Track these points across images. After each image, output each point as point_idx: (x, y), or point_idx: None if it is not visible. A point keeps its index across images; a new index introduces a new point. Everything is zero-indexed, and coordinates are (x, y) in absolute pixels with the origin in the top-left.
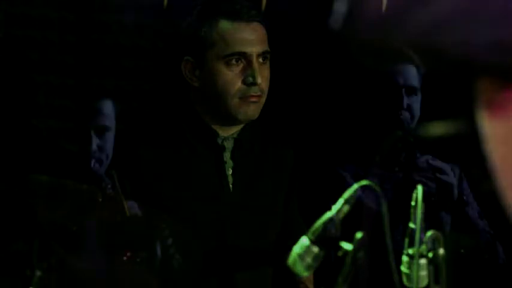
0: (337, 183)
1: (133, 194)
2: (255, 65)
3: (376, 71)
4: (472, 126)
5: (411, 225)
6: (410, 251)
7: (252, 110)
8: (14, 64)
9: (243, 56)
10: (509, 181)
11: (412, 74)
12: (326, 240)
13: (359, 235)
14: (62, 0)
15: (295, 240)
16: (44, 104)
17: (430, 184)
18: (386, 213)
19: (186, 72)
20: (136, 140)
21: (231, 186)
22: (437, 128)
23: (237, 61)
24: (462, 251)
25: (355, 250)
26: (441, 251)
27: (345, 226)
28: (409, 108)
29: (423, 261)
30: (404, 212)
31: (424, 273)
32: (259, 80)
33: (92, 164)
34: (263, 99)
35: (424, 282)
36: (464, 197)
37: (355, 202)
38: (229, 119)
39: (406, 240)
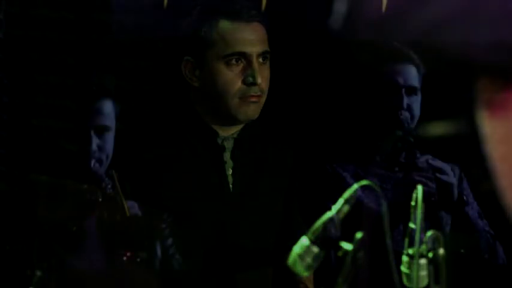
0: (337, 183)
1: (133, 194)
2: (255, 65)
3: (376, 71)
4: (472, 126)
5: (411, 225)
6: (410, 251)
7: (252, 110)
8: (14, 64)
9: (243, 56)
10: (509, 181)
11: (412, 74)
12: (326, 240)
13: (359, 235)
14: (62, 0)
15: (295, 240)
16: (44, 104)
17: (430, 184)
18: (386, 213)
19: (186, 72)
20: (136, 140)
21: (231, 186)
22: (437, 128)
23: (237, 61)
24: (462, 251)
25: (355, 250)
26: (441, 251)
27: (345, 226)
28: (409, 108)
29: (423, 261)
30: (404, 212)
31: (424, 273)
32: (259, 80)
33: (92, 164)
34: (263, 99)
35: (424, 282)
36: (464, 197)
37: (355, 202)
38: (229, 119)
39: (406, 240)
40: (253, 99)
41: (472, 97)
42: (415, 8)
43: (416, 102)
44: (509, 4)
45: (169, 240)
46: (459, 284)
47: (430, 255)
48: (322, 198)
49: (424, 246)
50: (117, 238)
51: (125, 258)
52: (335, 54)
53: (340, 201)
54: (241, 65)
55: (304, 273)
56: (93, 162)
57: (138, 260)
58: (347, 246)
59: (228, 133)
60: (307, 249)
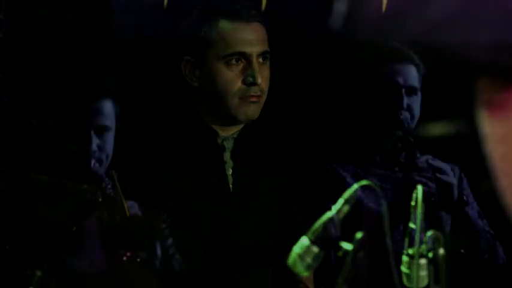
0: (337, 183)
1: (133, 194)
2: (255, 65)
3: (376, 71)
4: (472, 126)
5: (411, 225)
6: (410, 251)
7: (252, 110)
8: (14, 64)
9: (243, 56)
10: (509, 181)
11: (412, 74)
12: (326, 240)
13: (359, 235)
14: (62, 0)
15: (295, 240)
16: (44, 104)
17: (430, 184)
18: (386, 213)
19: (186, 72)
20: (136, 140)
21: (231, 186)
22: (437, 128)
23: (237, 61)
24: (462, 251)
25: (355, 250)
26: (441, 251)
27: (345, 226)
28: (409, 108)
29: (423, 261)
30: (404, 212)
31: (424, 273)
32: (259, 80)
33: (92, 164)
34: (263, 99)
35: (424, 282)
36: (464, 197)
37: (355, 202)
38: (229, 119)
39: (406, 240)
40: (253, 99)
41: (472, 97)
42: (415, 8)
43: (416, 102)
44: (509, 4)
45: (169, 240)
46: (459, 284)
47: (430, 255)
48: (322, 198)
49: (424, 246)
50: (117, 238)
51: (124, 258)
52: (335, 54)
53: (340, 201)
54: (241, 65)
55: (304, 273)
56: (93, 162)
57: (138, 260)
58: (347, 246)
59: (228, 133)
60: (307, 249)
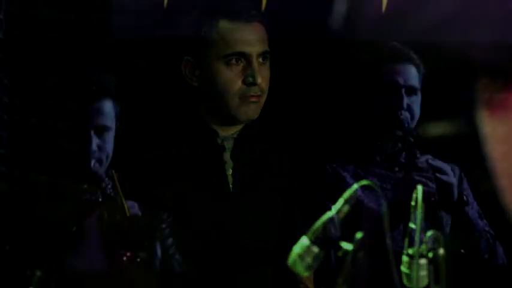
0: (337, 183)
1: (133, 194)
2: (255, 65)
3: (376, 71)
4: (472, 126)
5: (411, 225)
6: (410, 251)
7: (252, 110)
8: (14, 64)
9: (243, 56)
10: (509, 181)
11: (412, 74)
12: (326, 240)
13: (359, 235)
14: (62, 0)
15: (295, 240)
16: (44, 104)
17: (430, 184)
18: (386, 213)
19: (186, 72)
20: (136, 140)
21: (231, 186)
22: (437, 128)
23: (237, 61)
24: (462, 251)
25: (355, 250)
26: (441, 251)
27: (345, 226)
28: (409, 108)
29: (423, 261)
30: (404, 212)
31: (424, 273)
32: (259, 80)
33: (92, 164)
34: (263, 99)
35: (424, 282)
36: (464, 197)
37: (355, 202)
38: (229, 119)
39: (406, 240)
40: (253, 99)
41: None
42: (415, 8)
43: (416, 102)
44: (509, 4)
45: (169, 240)
46: (459, 284)
47: (430, 255)
48: (322, 198)
49: (424, 246)
50: (117, 238)
51: (124, 258)
52: (335, 54)
53: (340, 201)
54: (241, 65)
55: (304, 273)
56: (93, 162)
57: (138, 260)
58: (347, 246)
59: (228, 133)
60: (307, 249)
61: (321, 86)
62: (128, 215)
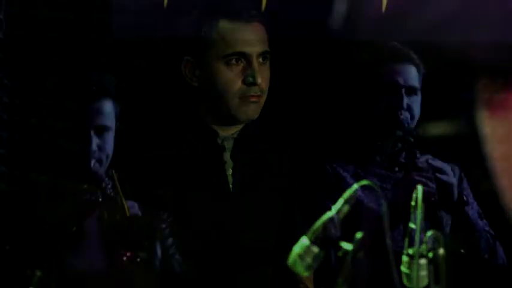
0: (337, 183)
1: (133, 194)
2: (255, 65)
3: (376, 71)
4: (472, 126)
5: (411, 225)
6: (410, 251)
7: (252, 110)
8: (14, 64)
9: (243, 56)
10: (509, 181)
11: (412, 74)
12: (326, 240)
13: (359, 235)
14: (62, 0)
15: (295, 240)
16: (44, 104)
17: (430, 184)
18: (386, 213)
19: (186, 72)
20: (136, 140)
21: (231, 186)
22: (437, 128)
23: (237, 61)
24: (462, 251)
25: (355, 250)
26: (441, 251)
27: (345, 226)
28: (409, 108)
29: (423, 261)
30: (404, 212)
31: (424, 273)
32: (259, 80)
33: (92, 164)
34: (263, 99)
35: (424, 282)
36: (464, 197)
37: (355, 202)
38: (229, 119)
39: (406, 240)
40: (253, 99)
41: (472, 97)
42: (415, 8)
43: (416, 102)
44: (509, 4)
45: (169, 240)
46: (459, 284)
47: (430, 255)
48: (322, 198)
49: (424, 246)
50: (117, 238)
51: (124, 258)
52: (335, 54)
53: (340, 201)
54: (241, 65)
55: (304, 273)
56: (93, 162)
57: (138, 260)
58: (347, 246)
59: (228, 133)
60: (307, 249)
61: (321, 86)
62: (128, 215)
